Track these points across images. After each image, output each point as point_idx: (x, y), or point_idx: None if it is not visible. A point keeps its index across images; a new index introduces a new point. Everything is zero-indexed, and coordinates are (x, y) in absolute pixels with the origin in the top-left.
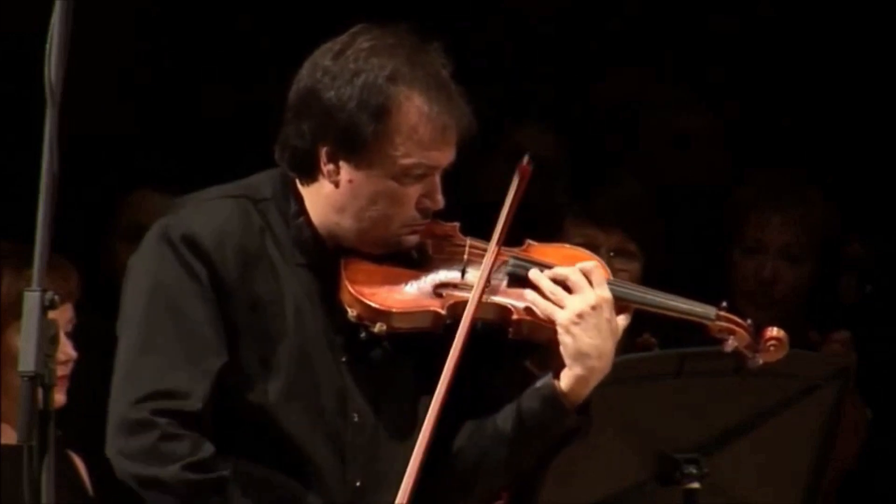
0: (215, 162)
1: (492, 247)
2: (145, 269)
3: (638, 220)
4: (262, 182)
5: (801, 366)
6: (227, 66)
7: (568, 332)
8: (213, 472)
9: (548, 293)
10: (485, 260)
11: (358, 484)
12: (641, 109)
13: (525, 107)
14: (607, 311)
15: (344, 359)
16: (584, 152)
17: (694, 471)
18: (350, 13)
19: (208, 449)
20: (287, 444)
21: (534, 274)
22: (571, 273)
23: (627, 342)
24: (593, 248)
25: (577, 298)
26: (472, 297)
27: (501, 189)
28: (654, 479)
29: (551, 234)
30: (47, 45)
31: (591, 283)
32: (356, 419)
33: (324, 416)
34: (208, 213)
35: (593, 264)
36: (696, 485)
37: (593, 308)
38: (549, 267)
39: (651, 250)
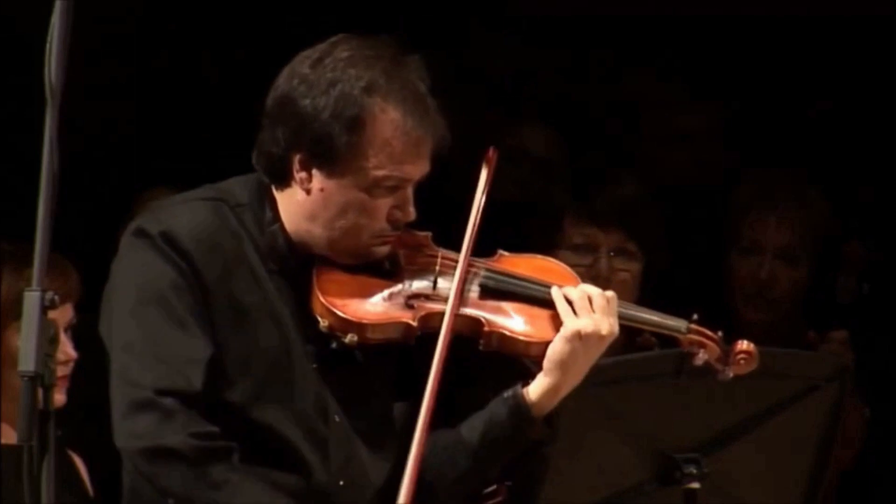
0: (215, 163)
1: (462, 258)
2: (128, 269)
3: (638, 220)
4: (239, 187)
5: (800, 366)
6: (230, 67)
7: (568, 342)
8: (220, 441)
9: (574, 299)
10: (457, 272)
11: (341, 483)
12: (641, 109)
13: (526, 107)
14: (605, 346)
15: (315, 366)
16: (584, 152)
17: (694, 471)
18: (347, 12)
19: (213, 425)
20: (268, 444)
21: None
22: (598, 297)
23: (627, 342)
24: (594, 247)
25: (596, 318)
26: (448, 309)
27: (499, 191)
28: (654, 479)
29: (551, 234)
30: (47, 45)
31: (610, 314)
32: (337, 419)
33: (304, 417)
34: (185, 213)
35: (612, 294)
36: (696, 485)
37: (601, 338)
38: (520, 278)
39: (651, 250)
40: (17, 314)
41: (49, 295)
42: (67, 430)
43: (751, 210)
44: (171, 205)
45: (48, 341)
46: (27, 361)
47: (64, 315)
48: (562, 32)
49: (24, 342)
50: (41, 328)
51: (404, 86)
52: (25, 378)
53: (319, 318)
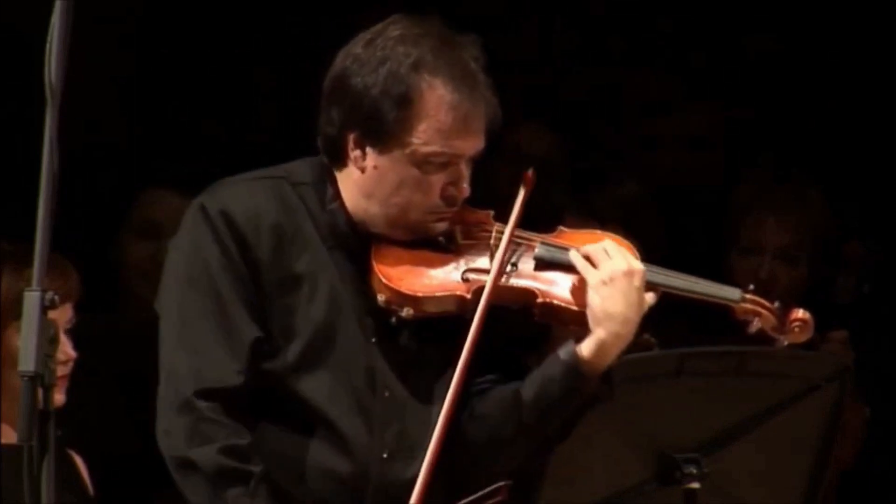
0: (216, 163)
1: (508, 231)
2: (181, 245)
3: (638, 220)
4: (302, 167)
5: (801, 366)
6: (228, 72)
7: (597, 291)
8: (245, 464)
9: (591, 254)
10: (502, 243)
11: (385, 455)
12: (642, 110)
13: (526, 106)
14: (638, 281)
15: (374, 339)
16: (584, 152)
17: (694, 471)
18: (347, 13)
19: (245, 437)
20: (312, 415)
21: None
22: (609, 244)
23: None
24: None
25: (612, 262)
26: (489, 278)
27: (500, 190)
28: (654, 479)
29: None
30: (47, 45)
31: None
32: (386, 394)
33: (353, 391)
34: (244, 192)
35: (628, 244)
36: (696, 485)
37: (625, 274)
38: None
39: (651, 250)
40: (17, 314)
41: (49, 295)
42: (67, 430)
43: (751, 210)
44: (232, 183)
45: (48, 341)
46: (27, 361)
47: (64, 315)
48: (561, 32)
49: (24, 342)
50: (41, 328)
51: (452, 62)
52: (25, 378)
53: (377, 294)
